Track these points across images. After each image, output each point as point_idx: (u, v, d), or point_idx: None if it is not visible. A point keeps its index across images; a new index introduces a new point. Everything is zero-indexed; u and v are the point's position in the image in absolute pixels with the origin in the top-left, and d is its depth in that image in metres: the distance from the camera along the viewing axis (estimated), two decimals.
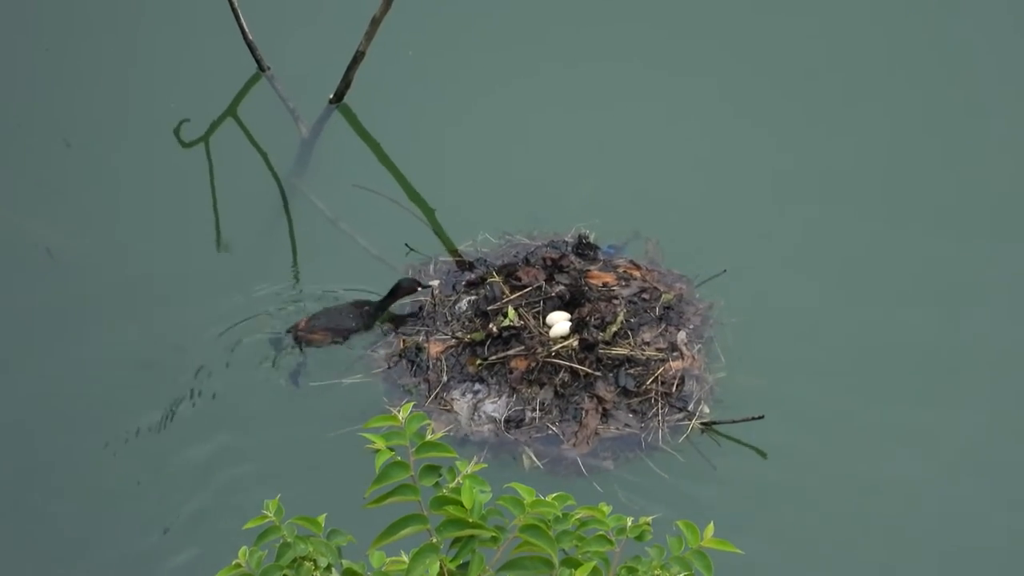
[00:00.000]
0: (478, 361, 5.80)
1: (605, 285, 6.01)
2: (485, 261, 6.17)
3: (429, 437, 3.18)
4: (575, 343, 5.76)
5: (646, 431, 5.68)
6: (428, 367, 5.83)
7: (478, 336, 5.82)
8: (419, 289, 5.97)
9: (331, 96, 6.84)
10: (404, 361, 5.87)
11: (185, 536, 5.47)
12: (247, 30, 6.79)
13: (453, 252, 6.28)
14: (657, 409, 5.71)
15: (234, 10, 6.72)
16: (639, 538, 3.26)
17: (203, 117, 6.85)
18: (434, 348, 5.87)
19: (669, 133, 6.78)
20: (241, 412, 5.80)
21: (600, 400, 5.70)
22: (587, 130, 6.77)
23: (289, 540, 3.23)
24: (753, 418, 5.64)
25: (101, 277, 6.24)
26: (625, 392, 5.72)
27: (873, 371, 5.95)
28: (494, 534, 3.14)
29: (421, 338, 5.91)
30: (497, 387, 5.74)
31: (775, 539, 5.46)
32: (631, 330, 5.85)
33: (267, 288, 6.18)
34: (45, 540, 5.49)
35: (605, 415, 5.69)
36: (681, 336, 5.89)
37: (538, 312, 5.90)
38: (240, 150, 6.78)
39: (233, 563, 3.23)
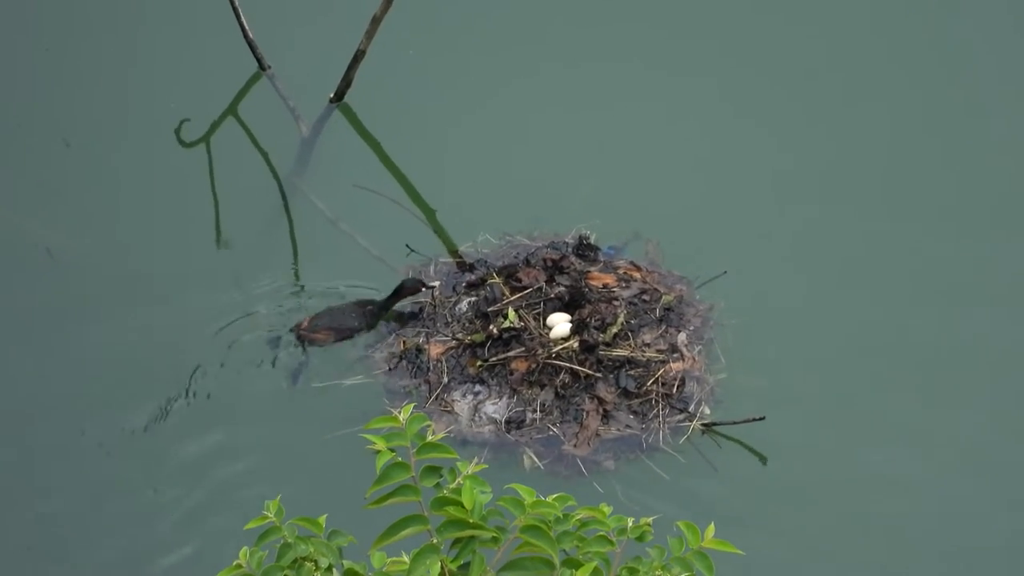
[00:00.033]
0: (478, 362, 5.79)
1: (605, 286, 6.01)
2: (485, 262, 6.17)
3: (430, 438, 3.18)
4: (575, 344, 5.76)
5: (647, 432, 5.68)
6: (429, 368, 5.82)
7: (478, 337, 5.81)
8: (423, 289, 5.97)
9: (332, 95, 6.83)
10: (405, 362, 5.86)
11: (182, 535, 5.47)
12: (247, 29, 6.79)
13: (453, 253, 6.28)
14: (658, 410, 5.71)
15: (235, 9, 6.72)
16: (640, 539, 3.26)
17: (203, 116, 6.84)
18: (435, 349, 5.86)
19: (669, 133, 6.78)
20: (241, 412, 5.79)
21: (601, 401, 5.70)
22: (587, 130, 6.77)
23: (290, 540, 3.23)
24: (754, 419, 5.64)
25: (101, 277, 6.23)
26: (626, 393, 5.72)
27: (873, 371, 5.95)
28: (495, 535, 3.14)
29: (421, 339, 5.91)
30: (498, 388, 5.74)
31: (775, 539, 5.46)
32: (631, 331, 5.85)
33: (267, 288, 6.18)
34: (41, 538, 5.49)
35: (606, 416, 5.69)
36: (681, 337, 5.89)
37: (538, 313, 5.90)
38: (240, 149, 6.78)
39: (234, 563, 3.24)
